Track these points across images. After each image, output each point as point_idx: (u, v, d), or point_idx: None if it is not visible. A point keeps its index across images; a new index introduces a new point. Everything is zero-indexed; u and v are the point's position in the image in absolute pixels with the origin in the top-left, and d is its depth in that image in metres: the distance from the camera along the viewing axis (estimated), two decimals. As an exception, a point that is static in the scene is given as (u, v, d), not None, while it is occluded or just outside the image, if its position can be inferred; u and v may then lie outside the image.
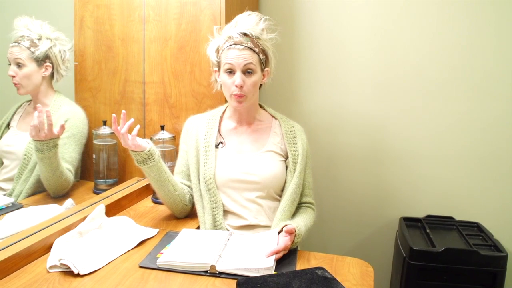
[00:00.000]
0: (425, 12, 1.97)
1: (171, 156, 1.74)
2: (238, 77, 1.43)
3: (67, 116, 1.80)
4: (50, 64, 1.80)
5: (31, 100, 1.88)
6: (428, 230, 1.90)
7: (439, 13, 1.96)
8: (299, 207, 1.55)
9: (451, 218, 2.04)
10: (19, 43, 1.75)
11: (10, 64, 1.75)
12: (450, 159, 2.05)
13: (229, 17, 1.72)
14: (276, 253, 1.26)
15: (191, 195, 1.58)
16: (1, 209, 1.57)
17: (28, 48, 1.74)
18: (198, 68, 1.79)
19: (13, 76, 1.75)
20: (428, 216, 2.07)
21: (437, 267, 1.73)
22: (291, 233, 1.31)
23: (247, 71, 1.44)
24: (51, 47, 1.79)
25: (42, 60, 1.78)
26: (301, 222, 1.43)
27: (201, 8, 1.75)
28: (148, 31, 1.83)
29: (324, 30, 2.11)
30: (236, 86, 1.42)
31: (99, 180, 1.84)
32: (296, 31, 2.12)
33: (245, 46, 1.42)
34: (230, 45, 1.44)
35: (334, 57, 2.12)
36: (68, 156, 1.77)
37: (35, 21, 1.79)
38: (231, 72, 1.44)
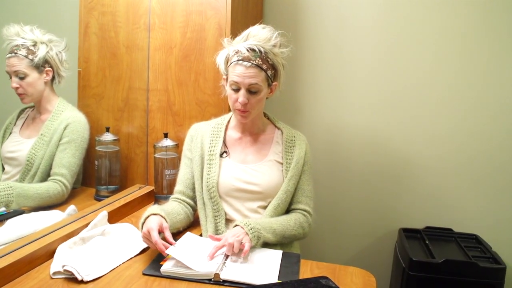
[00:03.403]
0: (431, 25, 1.99)
1: (173, 164, 1.74)
2: (242, 95, 1.42)
3: (68, 121, 1.79)
4: (50, 68, 1.79)
5: (34, 106, 1.86)
6: (427, 242, 1.91)
7: (446, 24, 1.97)
8: (291, 210, 1.55)
9: (450, 230, 2.05)
10: (16, 53, 1.70)
11: (10, 78, 1.71)
12: (449, 172, 2.07)
13: (234, 27, 1.74)
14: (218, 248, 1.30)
15: (193, 208, 1.59)
16: (2, 214, 1.55)
17: (26, 57, 1.71)
18: (202, 77, 1.79)
19: (17, 88, 1.72)
20: (427, 227, 2.07)
21: (436, 279, 1.73)
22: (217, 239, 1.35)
23: (252, 90, 1.43)
24: (48, 52, 1.76)
25: (42, 66, 1.76)
26: (264, 221, 1.42)
27: (206, 17, 1.75)
28: (153, 39, 1.83)
29: (328, 40, 2.12)
30: (240, 103, 1.43)
31: (101, 187, 1.84)
32: (300, 40, 2.14)
33: (252, 64, 1.40)
34: (237, 60, 1.41)
35: (338, 67, 2.13)
36: (66, 161, 1.76)
37: (25, 27, 1.74)
38: (236, 88, 1.44)
